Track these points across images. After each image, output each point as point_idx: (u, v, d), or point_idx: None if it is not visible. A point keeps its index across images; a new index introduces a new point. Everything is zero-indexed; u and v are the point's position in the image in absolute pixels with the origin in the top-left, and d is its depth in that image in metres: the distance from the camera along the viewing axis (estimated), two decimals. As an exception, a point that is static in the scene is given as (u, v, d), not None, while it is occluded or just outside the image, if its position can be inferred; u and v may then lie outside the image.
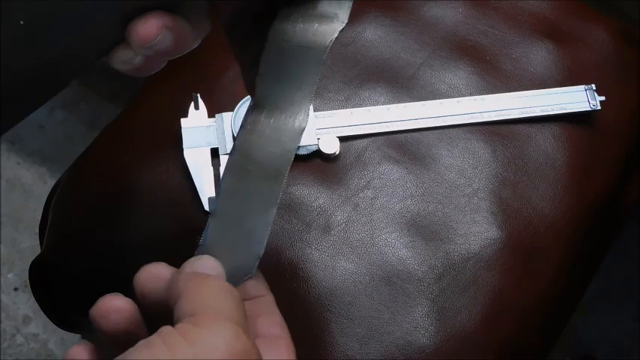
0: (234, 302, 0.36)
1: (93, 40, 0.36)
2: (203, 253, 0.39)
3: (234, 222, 0.40)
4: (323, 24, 0.40)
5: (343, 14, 0.41)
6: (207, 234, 0.40)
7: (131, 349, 0.34)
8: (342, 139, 0.58)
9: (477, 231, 0.56)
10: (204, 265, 0.38)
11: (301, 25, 0.40)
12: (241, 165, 0.40)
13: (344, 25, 0.41)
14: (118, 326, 0.37)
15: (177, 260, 0.55)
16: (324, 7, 0.41)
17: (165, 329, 0.34)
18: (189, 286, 0.36)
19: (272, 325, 0.40)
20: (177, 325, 0.34)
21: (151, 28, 0.37)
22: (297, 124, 0.40)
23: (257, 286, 0.41)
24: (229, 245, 0.40)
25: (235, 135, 0.56)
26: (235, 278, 0.39)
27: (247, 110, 0.41)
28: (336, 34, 0.40)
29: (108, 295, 0.38)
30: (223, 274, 0.39)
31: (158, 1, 0.37)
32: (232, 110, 0.57)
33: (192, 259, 0.39)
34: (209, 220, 0.40)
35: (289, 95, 0.40)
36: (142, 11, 0.36)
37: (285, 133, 0.40)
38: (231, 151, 0.40)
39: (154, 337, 0.34)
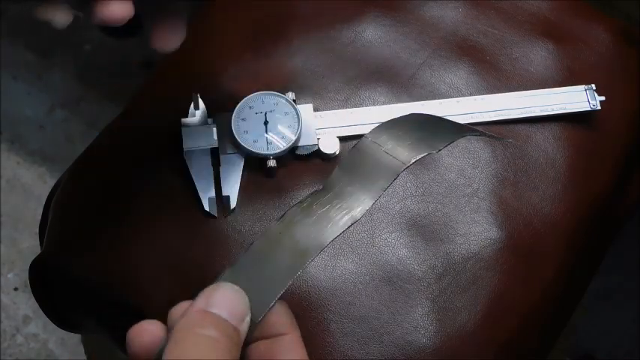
0: (226, 354, 0.34)
1: None
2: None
3: (253, 274, 0.39)
4: (415, 145, 0.42)
5: (440, 145, 0.42)
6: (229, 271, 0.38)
7: None
8: (342, 139, 0.58)
9: (477, 231, 0.56)
10: (221, 298, 0.36)
11: (395, 141, 0.42)
12: (277, 232, 0.40)
13: (434, 153, 0.42)
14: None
15: (177, 260, 0.55)
16: (425, 138, 0.43)
17: None
18: (174, 335, 0.34)
19: None
20: None
21: None
22: (346, 218, 0.40)
23: (279, 323, 0.38)
24: (251, 283, 0.38)
25: (235, 134, 0.56)
26: (254, 314, 0.37)
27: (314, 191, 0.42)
28: (420, 157, 0.42)
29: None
30: (242, 305, 0.36)
31: None
32: (232, 110, 0.57)
33: (211, 287, 0.37)
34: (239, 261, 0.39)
35: (356, 190, 0.42)
36: None
37: (332, 222, 0.40)
38: (279, 218, 0.40)
39: None
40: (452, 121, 0.46)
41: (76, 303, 0.59)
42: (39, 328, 0.99)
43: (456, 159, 0.58)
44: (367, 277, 0.54)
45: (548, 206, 0.58)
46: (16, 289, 1.01)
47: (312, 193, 0.41)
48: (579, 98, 0.60)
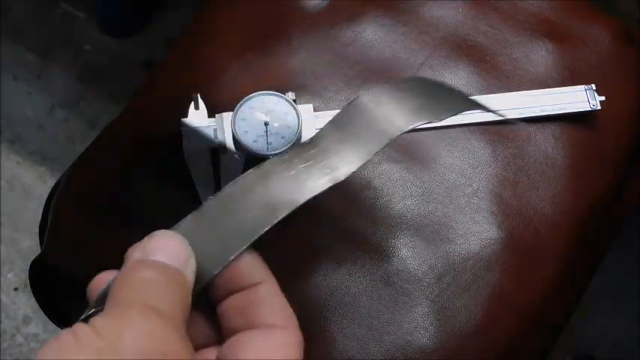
0: (171, 294, 0.32)
1: None
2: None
3: (214, 224, 0.36)
4: (416, 111, 0.40)
5: (443, 115, 0.40)
6: (184, 221, 0.36)
7: (42, 347, 0.30)
8: (342, 139, 0.58)
9: (477, 231, 0.56)
10: (156, 245, 0.34)
11: (395, 104, 0.39)
12: (251, 180, 0.37)
13: (435, 122, 0.40)
14: None
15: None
16: (428, 105, 0.40)
17: (79, 323, 0.31)
18: (119, 276, 0.33)
19: (269, 314, 0.35)
20: (93, 318, 0.31)
21: None
22: (326, 178, 0.37)
23: (252, 273, 0.36)
24: (214, 233, 0.36)
25: (235, 134, 0.56)
26: (215, 264, 0.35)
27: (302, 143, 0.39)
28: (418, 124, 0.39)
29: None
30: (182, 249, 0.34)
31: None
32: (232, 110, 0.57)
33: (146, 237, 0.35)
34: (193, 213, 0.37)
35: (344, 149, 0.38)
36: None
37: (311, 180, 0.37)
38: (256, 166, 0.37)
39: (65, 332, 0.31)
40: (460, 92, 0.43)
41: (76, 303, 0.59)
42: (39, 328, 0.99)
43: (455, 159, 0.58)
44: (367, 277, 0.54)
45: (548, 206, 0.58)
46: (16, 289, 1.01)
47: (296, 145, 0.38)
48: (579, 98, 0.60)
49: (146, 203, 0.56)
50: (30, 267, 0.59)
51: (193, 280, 0.34)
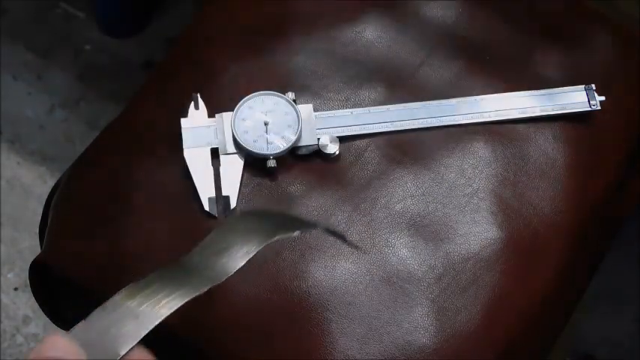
0: None
1: None
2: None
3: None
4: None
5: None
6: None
7: None
8: (342, 139, 0.58)
9: (477, 231, 0.56)
10: (47, 345, 0.38)
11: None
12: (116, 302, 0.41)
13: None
14: None
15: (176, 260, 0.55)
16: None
17: None
18: None
19: None
20: None
21: None
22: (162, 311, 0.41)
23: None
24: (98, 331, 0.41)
25: (235, 134, 0.56)
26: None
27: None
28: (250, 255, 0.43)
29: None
30: (73, 345, 0.39)
31: None
32: (232, 110, 0.57)
33: (44, 341, 0.39)
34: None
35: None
36: None
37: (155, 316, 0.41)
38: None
39: None
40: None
41: (75, 303, 0.59)
42: (39, 328, 0.99)
43: (455, 159, 0.58)
44: (367, 277, 0.54)
45: (548, 206, 0.58)
46: (16, 289, 1.01)
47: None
48: (579, 98, 0.60)
49: (146, 203, 0.56)
50: (30, 267, 0.59)
51: None
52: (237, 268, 0.43)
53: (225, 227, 0.45)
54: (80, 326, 0.41)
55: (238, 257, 0.43)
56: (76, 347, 0.39)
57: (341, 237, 0.47)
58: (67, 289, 0.58)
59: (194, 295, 0.41)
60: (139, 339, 0.40)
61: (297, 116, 0.57)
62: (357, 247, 0.55)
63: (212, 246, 0.44)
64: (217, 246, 0.44)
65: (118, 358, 0.39)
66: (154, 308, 0.41)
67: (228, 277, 0.43)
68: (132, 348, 0.40)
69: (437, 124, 0.59)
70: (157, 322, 0.40)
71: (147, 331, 0.40)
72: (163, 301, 0.41)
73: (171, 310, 0.41)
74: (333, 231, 0.48)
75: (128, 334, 0.40)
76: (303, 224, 0.49)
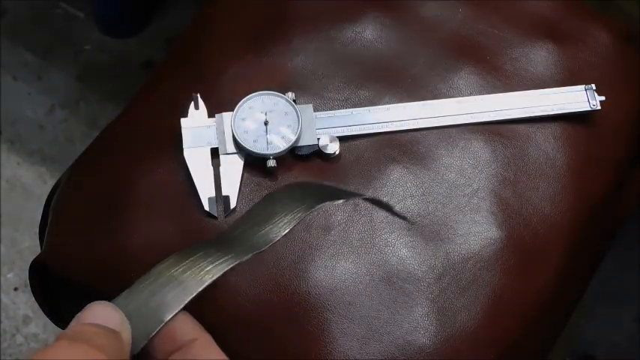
0: (112, 346, 0.35)
1: None
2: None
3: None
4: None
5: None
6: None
7: None
8: (342, 139, 0.58)
9: (477, 231, 0.56)
10: (90, 313, 0.38)
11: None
12: (161, 272, 0.42)
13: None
14: None
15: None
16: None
17: None
18: (51, 349, 0.35)
19: None
20: None
21: None
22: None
23: (185, 331, 0.40)
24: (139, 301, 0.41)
25: (235, 134, 0.56)
26: (145, 332, 0.39)
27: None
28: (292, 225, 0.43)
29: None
30: (115, 313, 0.38)
31: None
32: (232, 110, 0.57)
33: (85, 308, 0.39)
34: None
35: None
36: None
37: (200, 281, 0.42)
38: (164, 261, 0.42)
39: None
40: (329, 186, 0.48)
41: (75, 303, 0.59)
42: (39, 328, 0.99)
43: (455, 159, 0.58)
44: (367, 277, 0.54)
45: (548, 206, 0.58)
46: (16, 289, 1.01)
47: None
48: (579, 98, 0.60)
49: (146, 203, 0.56)
50: (30, 267, 0.59)
51: (130, 341, 0.38)
52: (281, 236, 0.43)
53: (269, 198, 0.45)
54: (123, 295, 0.40)
55: (281, 226, 0.43)
56: (118, 314, 0.38)
57: (387, 208, 0.47)
58: (67, 289, 0.58)
59: (237, 262, 0.41)
60: (183, 305, 0.40)
61: (297, 116, 0.57)
62: (406, 219, 0.55)
63: (255, 217, 0.44)
64: (261, 216, 0.44)
65: (162, 324, 0.39)
66: (198, 275, 0.41)
67: (272, 244, 0.42)
68: (176, 314, 0.39)
69: (437, 124, 0.59)
70: (201, 289, 0.40)
71: (191, 297, 0.40)
72: (207, 268, 0.41)
73: (215, 277, 0.41)
74: (378, 201, 0.47)
75: (172, 301, 0.40)
76: (348, 193, 0.49)
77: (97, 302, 0.39)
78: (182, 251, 0.42)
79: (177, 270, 0.41)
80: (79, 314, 0.38)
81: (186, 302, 0.40)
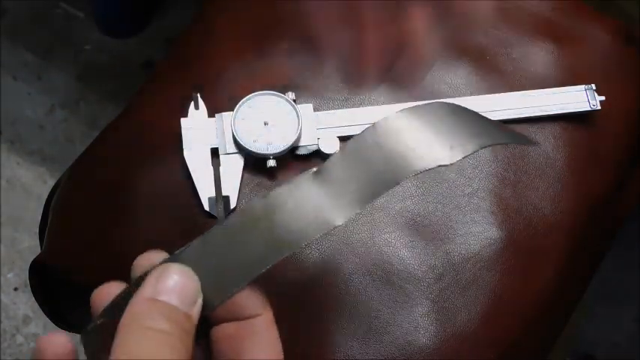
0: (178, 349, 0.32)
1: None
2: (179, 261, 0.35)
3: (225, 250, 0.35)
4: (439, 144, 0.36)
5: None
6: (193, 246, 0.36)
7: None
8: (342, 139, 0.58)
9: (477, 231, 0.56)
10: (170, 284, 0.34)
11: (417, 133, 0.36)
12: (257, 212, 0.36)
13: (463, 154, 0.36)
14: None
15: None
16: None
17: None
18: (122, 330, 0.33)
19: (260, 348, 0.36)
20: None
21: None
22: (333, 216, 0.35)
23: (250, 305, 0.36)
24: (216, 263, 0.35)
25: (235, 134, 0.56)
26: (215, 295, 0.35)
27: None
28: (430, 168, 0.35)
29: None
30: (193, 288, 0.34)
31: None
32: (232, 110, 0.57)
33: (159, 269, 0.35)
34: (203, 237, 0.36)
35: (354, 183, 0.36)
36: None
37: (318, 217, 0.35)
38: (263, 196, 0.36)
39: None
40: (490, 122, 0.38)
41: (75, 303, 0.59)
42: (39, 328, 0.99)
43: (456, 159, 0.58)
44: (367, 277, 0.54)
45: (548, 206, 0.58)
46: (16, 289, 1.01)
47: (305, 174, 0.36)
48: (579, 98, 0.60)
49: (146, 203, 0.56)
50: (30, 267, 0.59)
51: (198, 318, 0.35)
52: (448, 164, 0.36)
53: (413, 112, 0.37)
54: (194, 247, 0.35)
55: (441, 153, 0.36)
56: (197, 291, 0.35)
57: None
58: (67, 289, 0.58)
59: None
60: (268, 267, 0.35)
61: (297, 116, 0.57)
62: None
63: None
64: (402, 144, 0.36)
65: (233, 294, 0.35)
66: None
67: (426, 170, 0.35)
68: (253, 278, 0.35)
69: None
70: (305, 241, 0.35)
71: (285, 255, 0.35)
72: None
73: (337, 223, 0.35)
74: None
75: (256, 261, 0.35)
76: (514, 137, 0.40)
77: (175, 267, 0.35)
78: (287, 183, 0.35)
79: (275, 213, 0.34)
80: (157, 275, 0.34)
81: (275, 262, 0.34)
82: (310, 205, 0.35)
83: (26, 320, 1.00)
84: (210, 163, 0.56)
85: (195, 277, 0.35)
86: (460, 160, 0.35)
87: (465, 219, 0.56)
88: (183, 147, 0.57)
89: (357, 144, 0.36)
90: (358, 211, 0.35)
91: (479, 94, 0.61)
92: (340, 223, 0.35)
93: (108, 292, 0.36)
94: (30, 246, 1.03)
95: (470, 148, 0.36)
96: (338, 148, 0.57)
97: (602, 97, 0.60)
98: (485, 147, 0.36)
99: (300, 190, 0.36)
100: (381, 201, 0.57)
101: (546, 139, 0.60)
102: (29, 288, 0.60)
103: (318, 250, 0.55)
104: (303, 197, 0.36)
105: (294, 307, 0.53)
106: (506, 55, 0.63)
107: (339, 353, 0.52)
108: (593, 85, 0.60)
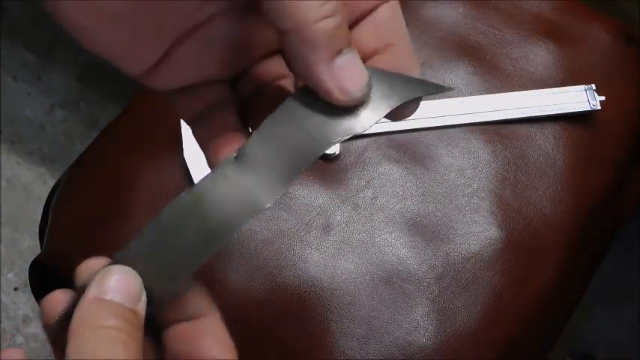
0: (127, 344, 0.33)
1: None
2: (121, 262, 0.35)
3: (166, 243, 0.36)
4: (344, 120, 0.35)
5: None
6: (132, 244, 0.36)
7: None
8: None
9: (477, 231, 0.56)
10: (113, 283, 0.36)
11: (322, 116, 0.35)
12: (188, 202, 0.36)
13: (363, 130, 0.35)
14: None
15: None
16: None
17: None
18: (73, 331, 0.34)
19: (211, 347, 0.37)
20: None
21: None
22: (256, 201, 0.35)
23: (198, 305, 0.37)
24: (155, 260, 0.36)
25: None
26: (161, 292, 0.35)
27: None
28: (346, 137, 0.34)
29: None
30: (136, 285, 0.36)
31: None
32: (232, 110, 0.57)
33: (101, 272, 0.36)
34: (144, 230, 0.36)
35: (275, 164, 0.35)
36: None
37: (244, 201, 0.35)
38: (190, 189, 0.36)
39: None
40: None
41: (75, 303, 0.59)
42: (39, 328, 0.99)
43: (455, 159, 0.58)
44: (367, 277, 0.54)
45: (548, 206, 0.58)
46: (16, 289, 1.01)
47: (227, 162, 0.36)
48: (579, 98, 0.60)
49: (146, 203, 0.56)
50: (30, 267, 0.59)
51: (144, 315, 0.36)
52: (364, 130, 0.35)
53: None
54: (133, 245, 0.36)
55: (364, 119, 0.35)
56: (140, 288, 0.36)
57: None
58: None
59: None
60: (214, 251, 0.34)
61: (297, 116, 0.57)
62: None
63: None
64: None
65: (177, 293, 0.35)
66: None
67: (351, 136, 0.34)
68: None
69: (437, 124, 0.59)
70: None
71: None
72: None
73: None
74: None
75: (199, 248, 0.35)
76: (436, 87, 0.39)
77: (116, 267, 0.36)
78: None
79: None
80: (99, 278, 0.36)
81: (213, 253, 0.34)
82: (236, 191, 0.35)
83: (26, 320, 1.00)
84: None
85: (137, 275, 0.36)
86: (374, 124, 0.35)
87: (465, 219, 0.56)
88: (183, 147, 0.56)
89: (272, 122, 0.35)
90: (284, 191, 0.34)
91: (479, 94, 0.61)
92: (269, 205, 0.34)
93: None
94: (30, 246, 1.03)
95: (381, 110, 0.35)
96: (338, 148, 0.57)
97: (602, 97, 0.60)
98: (397, 106, 0.36)
99: (223, 177, 0.36)
100: (381, 201, 0.57)
101: (546, 139, 0.60)
102: (29, 288, 0.60)
103: (318, 250, 0.55)
104: (227, 184, 0.35)
105: (294, 307, 0.53)
106: (506, 55, 0.63)
107: (339, 353, 0.52)
108: (593, 85, 0.60)
